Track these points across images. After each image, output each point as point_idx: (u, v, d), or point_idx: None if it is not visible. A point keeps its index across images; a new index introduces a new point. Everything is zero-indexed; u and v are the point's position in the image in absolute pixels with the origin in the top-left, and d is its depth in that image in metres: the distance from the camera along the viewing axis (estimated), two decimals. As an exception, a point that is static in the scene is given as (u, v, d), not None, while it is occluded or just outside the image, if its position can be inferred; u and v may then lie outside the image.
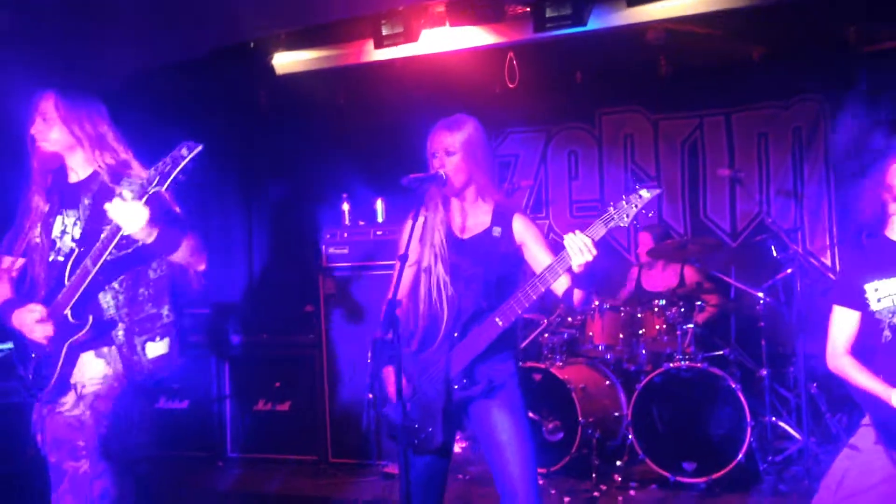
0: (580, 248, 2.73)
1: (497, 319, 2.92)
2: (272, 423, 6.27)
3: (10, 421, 5.01)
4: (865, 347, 3.16)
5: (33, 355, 3.09)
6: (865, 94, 6.10)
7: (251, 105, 7.36)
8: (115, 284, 3.08)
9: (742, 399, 5.04)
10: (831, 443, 5.44)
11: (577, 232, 2.75)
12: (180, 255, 3.06)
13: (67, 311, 2.98)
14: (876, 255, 3.13)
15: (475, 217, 3.13)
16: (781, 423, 5.42)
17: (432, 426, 2.99)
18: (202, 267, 3.16)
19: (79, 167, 3.18)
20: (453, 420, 3.03)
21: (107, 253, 2.91)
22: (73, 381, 3.05)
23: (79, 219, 3.12)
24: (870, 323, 3.13)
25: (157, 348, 3.11)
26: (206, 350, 6.53)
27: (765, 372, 5.38)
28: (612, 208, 2.77)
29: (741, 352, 5.58)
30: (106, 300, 3.07)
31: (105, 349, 3.07)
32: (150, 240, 2.89)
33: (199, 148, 2.79)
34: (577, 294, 2.96)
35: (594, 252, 2.73)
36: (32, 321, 3.02)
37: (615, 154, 6.99)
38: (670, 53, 6.45)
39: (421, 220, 3.11)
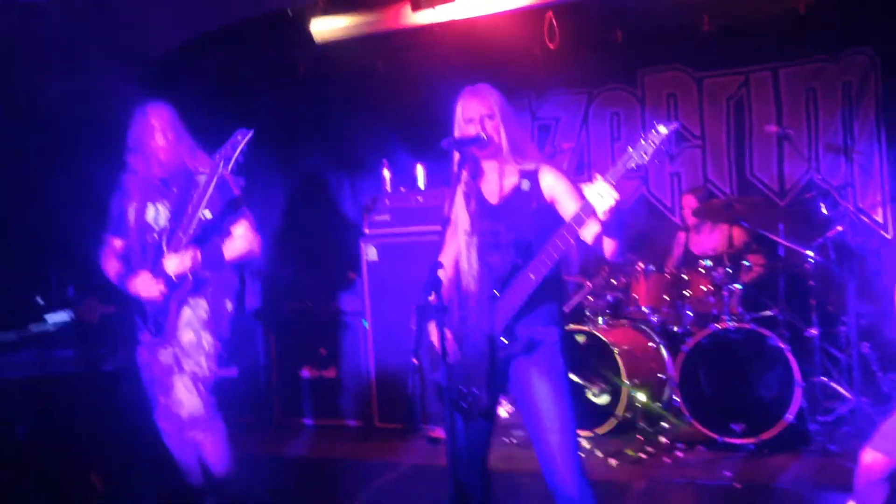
0: (600, 194, 2.70)
1: (530, 274, 2.92)
2: (318, 390, 6.36)
3: (64, 390, 5.16)
4: None
5: (147, 308, 3.83)
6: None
7: (290, 73, 7.37)
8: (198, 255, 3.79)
9: (791, 359, 4.96)
10: (883, 403, 5.36)
11: (596, 176, 2.72)
12: (239, 239, 3.85)
13: (171, 273, 3.72)
14: None
15: (507, 178, 3.13)
16: (832, 383, 5.33)
17: (478, 388, 3.00)
18: (257, 248, 3.92)
19: (170, 164, 3.88)
20: (497, 382, 3.02)
21: (192, 228, 3.67)
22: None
23: (168, 205, 3.85)
24: None
25: (230, 307, 3.94)
26: (253, 318, 6.63)
27: (815, 331, 5.30)
28: (630, 149, 2.74)
29: (790, 312, 5.49)
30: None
31: (191, 299, 3.83)
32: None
33: (251, 134, 3.55)
34: (609, 243, 2.91)
35: (615, 195, 2.70)
36: (147, 283, 3.76)
37: (658, 114, 6.87)
38: (713, 9, 6.30)
39: (461, 184, 3.11)
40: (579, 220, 2.81)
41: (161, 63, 6.72)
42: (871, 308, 5.91)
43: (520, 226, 3.03)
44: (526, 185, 3.08)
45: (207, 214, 3.68)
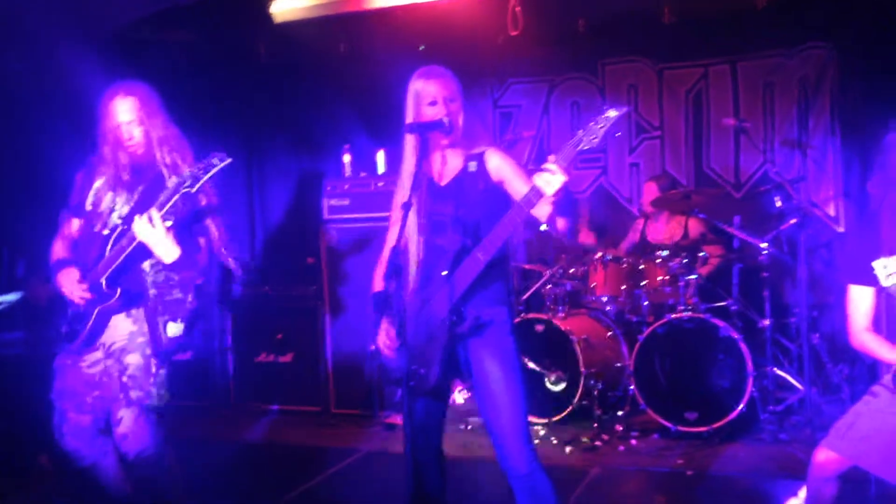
0: (548, 177, 2.72)
1: (478, 254, 2.94)
2: (275, 375, 6.31)
3: (7, 371, 5.07)
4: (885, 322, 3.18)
5: (70, 312, 3.46)
6: (873, 44, 6.01)
7: (250, 55, 7.27)
8: (147, 267, 3.41)
9: (744, 349, 5.05)
10: (832, 393, 5.47)
11: (546, 163, 2.74)
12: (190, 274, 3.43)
13: (102, 280, 3.35)
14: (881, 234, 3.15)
15: (452, 160, 3.15)
16: (783, 373, 5.43)
17: (428, 366, 3.00)
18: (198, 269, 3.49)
19: (142, 156, 3.48)
20: (450, 363, 3.03)
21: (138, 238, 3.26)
22: (101, 340, 3.43)
23: (129, 201, 3.45)
24: (884, 298, 3.14)
25: (175, 329, 3.45)
26: (209, 302, 6.55)
27: (767, 322, 5.38)
28: (581, 131, 2.76)
29: (744, 303, 5.57)
30: (141, 280, 3.42)
31: (134, 311, 3.43)
32: (167, 260, 3.25)
33: (229, 160, 3.17)
34: (560, 222, 2.94)
35: (563, 178, 2.72)
36: (71, 283, 3.39)
37: (618, 104, 6.90)
38: (675, 2, 6.34)
39: (412, 167, 3.10)
40: (528, 203, 2.82)
41: (119, 37, 6.58)
42: (822, 300, 6.03)
43: (467, 207, 3.04)
44: (473, 166, 3.09)
45: (166, 224, 3.25)
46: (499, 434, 2.99)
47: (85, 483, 3.58)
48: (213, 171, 3.14)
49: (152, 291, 3.43)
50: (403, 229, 2.93)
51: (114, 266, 3.34)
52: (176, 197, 3.15)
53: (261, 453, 5.47)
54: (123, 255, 3.31)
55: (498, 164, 3.07)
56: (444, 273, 2.99)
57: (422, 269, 3.10)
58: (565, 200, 2.81)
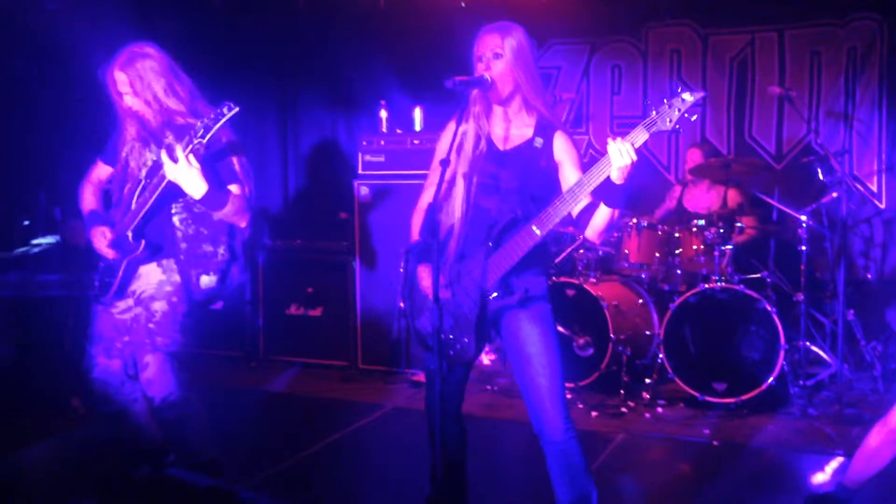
0: (620, 151, 2.66)
1: (534, 228, 2.86)
2: (304, 328, 6.35)
3: (45, 313, 5.14)
4: None
5: (101, 264, 3.56)
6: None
7: (286, 8, 7.22)
8: (177, 222, 3.45)
9: (777, 322, 4.99)
10: (864, 370, 5.41)
11: (617, 139, 2.68)
12: (225, 213, 3.37)
13: (129, 233, 3.41)
14: None
15: (518, 128, 3.04)
16: (815, 348, 5.37)
17: (467, 337, 2.96)
18: (244, 224, 3.50)
19: (153, 120, 3.46)
20: (484, 332, 3.01)
21: (159, 190, 3.31)
22: (131, 288, 3.50)
23: (151, 159, 3.46)
24: None
25: (208, 281, 3.50)
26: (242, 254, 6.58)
27: (802, 296, 5.31)
28: (654, 112, 2.68)
29: (779, 275, 5.50)
30: (169, 233, 3.45)
31: (165, 262, 3.48)
32: (197, 195, 3.22)
33: (237, 109, 3.12)
34: (605, 215, 2.85)
35: (634, 157, 2.66)
36: (101, 240, 3.49)
37: (660, 69, 6.79)
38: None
39: (463, 126, 3.02)
40: (594, 177, 2.74)
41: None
42: (859, 276, 5.93)
43: (525, 178, 2.97)
44: (539, 142, 3.00)
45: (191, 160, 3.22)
46: (535, 400, 2.94)
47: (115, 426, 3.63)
48: (223, 120, 3.13)
49: (183, 245, 3.45)
50: (441, 185, 2.86)
51: (138, 218, 3.39)
52: (190, 147, 3.15)
53: (287, 405, 5.52)
54: (147, 206, 3.36)
55: (563, 147, 2.98)
56: (490, 244, 2.93)
57: (462, 228, 3.02)
58: (625, 188, 2.74)
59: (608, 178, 2.73)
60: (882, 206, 6.14)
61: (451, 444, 3.19)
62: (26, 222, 5.67)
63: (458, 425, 3.21)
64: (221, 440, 3.61)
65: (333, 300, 6.25)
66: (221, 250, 3.53)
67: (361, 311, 6.07)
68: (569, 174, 2.96)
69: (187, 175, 3.18)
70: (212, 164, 3.36)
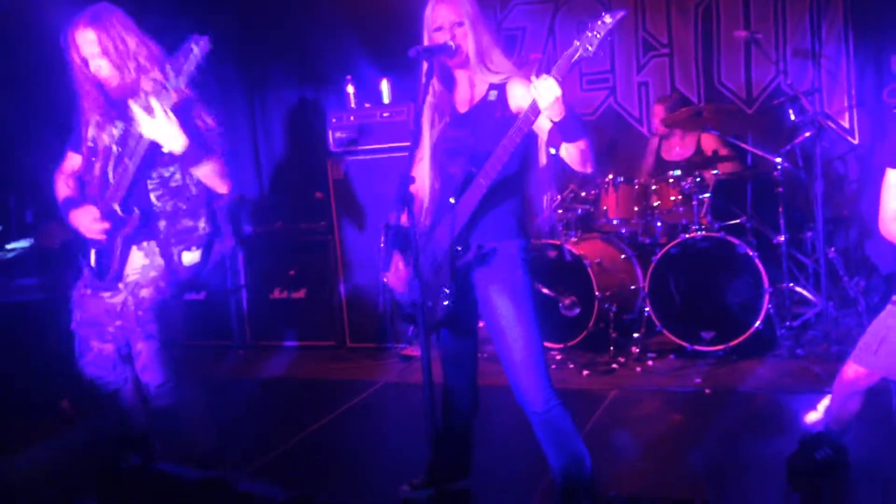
0: (542, 88, 2.63)
1: (480, 179, 2.87)
2: (289, 312, 6.33)
3: (25, 317, 5.08)
4: None
5: (94, 249, 3.42)
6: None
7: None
8: (154, 199, 3.34)
9: (759, 266, 5.01)
10: (849, 306, 5.45)
11: (542, 75, 2.65)
12: (204, 174, 3.28)
13: (116, 206, 3.29)
14: None
15: (478, 88, 3.05)
16: (799, 289, 5.40)
17: (435, 298, 2.96)
18: (224, 191, 3.38)
19: (119, 85, 3.32)
20: (464, 294, 2.99)
21: (138, 155, 3.20)
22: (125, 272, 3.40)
23: (120, 129, 3.34)
24: None
25: (191, 257, 3.40)
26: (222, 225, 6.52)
27: (782, 238, 5.33)
28: (576, 41, 2.67)
29: (758, 219, 5.51)
30: (148, 203, 3.34)
31: (145, 244, 3.37)
32: (178, 149, 3.12)
33: (205, 39, 3.00)
34: (572, 150, 2.79)
35: (557, 92, 2.62)
36: (89, 220, 3.34)
37: (626, 22, 6.73)
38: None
39: (429, 99, 3.04)
40: (527, 120, 2.75)
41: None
42: (837, 213, 5.96)
43: (482, 135, 2.95)
44: (493, 95, 2.99)
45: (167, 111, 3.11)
46: (513, 372, 2.96)
47: (107, 416, 3.62)
48: (193, 56, 2.99)
49: (162, 223, 3.35)
50: (413, 158, 2.87)
51: (124, 189, 3.28)
52: (167, 94, 3.02)
53: (280, 389, 5.50)
54: (130, 173, 3.25)
55: (520, 94, 2.93)
56: (452, 201, 2.93)
57: (434, 198, 3.05)
58: (570, 122, 2.72)
59: (550, 119, 2.70)
60: (855, 141, 6.15)
61: (459, 412, 3.27)
62: (-2, 228, 5.59)
63: (472, 395, 3.28)
64: (216, 430, 3.59)
65: (316, 281, 6.22)
66: (202, 223, 3.43)
67: (346, 290, 6.05)
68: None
69: (166, 128, 3.06)
70: (187, 119, 3.21)
